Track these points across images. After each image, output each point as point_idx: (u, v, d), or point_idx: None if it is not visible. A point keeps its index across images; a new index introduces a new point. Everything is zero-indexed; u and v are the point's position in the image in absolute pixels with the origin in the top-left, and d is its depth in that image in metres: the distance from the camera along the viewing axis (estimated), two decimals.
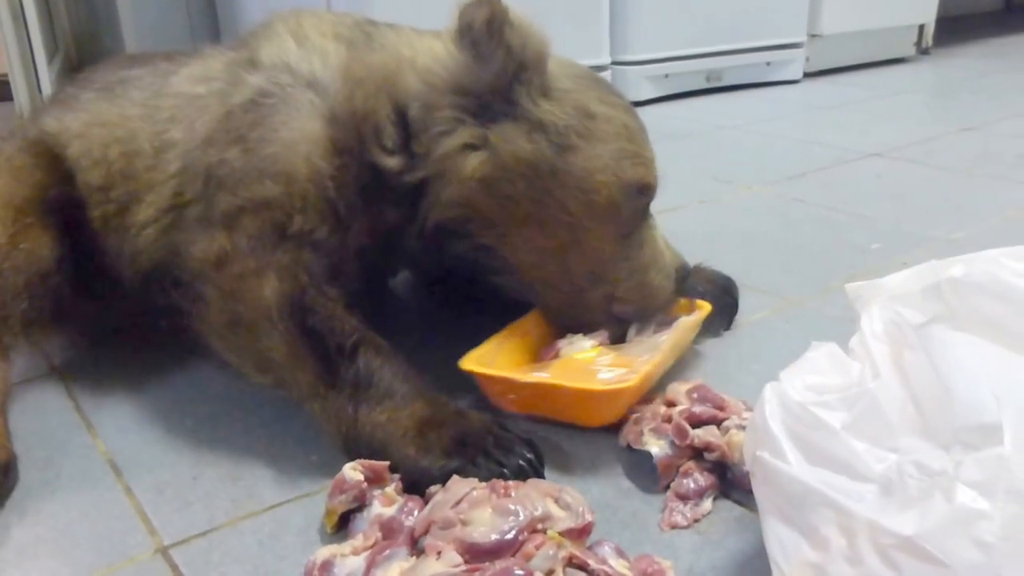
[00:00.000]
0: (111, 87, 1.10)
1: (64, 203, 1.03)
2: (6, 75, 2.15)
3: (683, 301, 1.07)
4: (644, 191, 0.98)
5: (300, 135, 0.94)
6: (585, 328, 1.00)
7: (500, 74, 0.92)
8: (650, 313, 1.02)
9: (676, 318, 1.03)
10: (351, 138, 0.95)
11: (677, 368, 1.05)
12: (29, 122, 1.14)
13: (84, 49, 2.79)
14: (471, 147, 0.93)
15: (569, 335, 1.00)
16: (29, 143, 1.07)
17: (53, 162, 1.05)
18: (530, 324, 1.04)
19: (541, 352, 1.00)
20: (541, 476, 0.80)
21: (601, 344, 0.99)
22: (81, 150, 1.04)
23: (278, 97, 0.95)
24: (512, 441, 0.82)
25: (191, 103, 1.01)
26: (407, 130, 0.95)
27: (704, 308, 1.06)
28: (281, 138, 0.93)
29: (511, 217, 0.95)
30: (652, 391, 0.94)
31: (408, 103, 0.95)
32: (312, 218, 0.93)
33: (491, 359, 0.96)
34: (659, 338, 0.98)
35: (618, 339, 1.01)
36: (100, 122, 1.05)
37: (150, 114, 1.02)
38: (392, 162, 0.95)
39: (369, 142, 0.95)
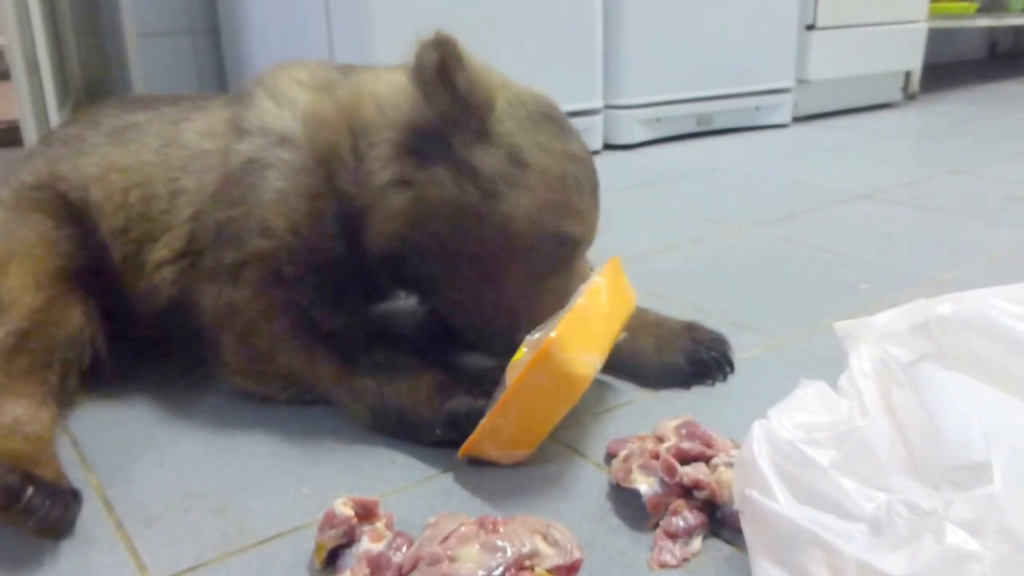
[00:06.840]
0: (122, 132, 1.15)
1: (91, 263, 1.09)
2: (17, 120, 2.16)
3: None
4: (564, 242, 1.00)
5: (279, 194, 1.01)
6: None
7: (443, 116, 0.95)
8: None
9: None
10: (322, 181, 1.01)
11: (667, 405, 1.05)
12: (31, 163, 1.16)
13: (95, 95, 2.79)
14: (401, 183, 0.97)
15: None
16: (46, 194, 1.11)
17: (75, 218, 1.10)
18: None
19: None
20: None
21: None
22: (103, 195, 1.10)
23: (262, 162, 1.03)
24: None
25: (199, 157, 1.08)
26: (361, 158, 1.00)
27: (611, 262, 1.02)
28: (268, 200, 1.01)
29: (437, 250, 0.98)
30: (641, 427, 0.94)
31: (362, 133, 1.00)
32: (299, 266, 1.02)
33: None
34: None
35: None
36: (118, 167, 1.11)
37: (164, 160, 1.10)
38: (353, 190, 1.00)
39: (337, 173, 1.01)
